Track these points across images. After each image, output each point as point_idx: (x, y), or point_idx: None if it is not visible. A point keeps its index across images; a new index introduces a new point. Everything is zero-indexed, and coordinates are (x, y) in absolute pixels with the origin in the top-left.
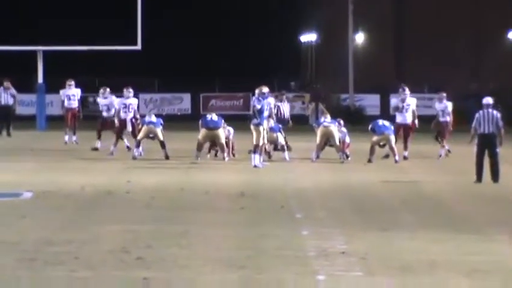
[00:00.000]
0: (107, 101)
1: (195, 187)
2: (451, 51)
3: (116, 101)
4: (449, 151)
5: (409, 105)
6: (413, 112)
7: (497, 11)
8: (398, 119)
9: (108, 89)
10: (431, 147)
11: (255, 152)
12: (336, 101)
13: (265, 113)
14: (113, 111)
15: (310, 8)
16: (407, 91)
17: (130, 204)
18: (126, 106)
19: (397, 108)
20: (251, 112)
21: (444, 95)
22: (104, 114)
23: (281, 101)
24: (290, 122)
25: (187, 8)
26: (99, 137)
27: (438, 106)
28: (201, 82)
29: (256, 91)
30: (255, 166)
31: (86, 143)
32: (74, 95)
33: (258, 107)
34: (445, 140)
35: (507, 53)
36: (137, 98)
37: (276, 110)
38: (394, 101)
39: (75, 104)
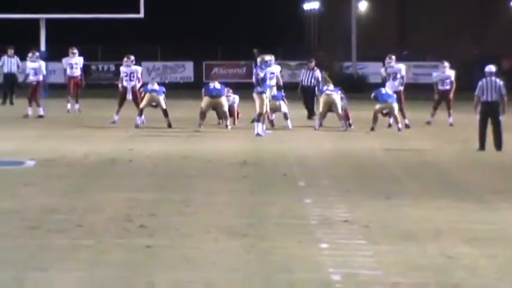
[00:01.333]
0: (35, 64)
1: (197, 155)
2: (454, 19)
3: (43, 65)
4: (429, 122)
5: (396, 72)
6: (402, 79)
7: None
8: (388, 87)
9: (36, 53)
10: (435, 116)
11: (258, 120)
12: (339, 69)
13: (268, 82)
14: (41, 77)
15: None
16: (393, 58)
17: (133, 173)
18: (127, 74)
19: (384, 78)
20: (253, 80)
21: (446, 64)
22: (31, 77)
23: (310, 69)
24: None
25: None
26: (30, 104)
27: (437, 75)
28: (203, 50)
29: (259, 59)
30: (258, 134)
31: (89, 111)
32: (76, 63)
33: (261, 75)
34: (436, 109)
35: (510, 22)
36: (140, 65)
37: (306, 78)
38: (382, 70)
39: (77, 72)
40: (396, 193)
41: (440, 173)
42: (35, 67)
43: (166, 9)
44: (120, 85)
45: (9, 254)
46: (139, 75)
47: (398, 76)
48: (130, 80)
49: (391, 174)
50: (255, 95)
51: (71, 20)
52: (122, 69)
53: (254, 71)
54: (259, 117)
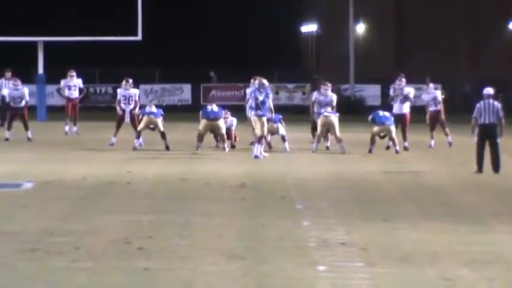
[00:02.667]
0: (17, 93)
1: (195, 178)
2: (451, 43)
3: (27, 91)
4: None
5: (405, 95)
6: (410, 101)
7: (497, 1)
8: (395, 109)
9: (19, 81)
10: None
11: (258, 142)
12: (337, 91)
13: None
14: (23, 103)
15: None
16: (403, 80)
17: (131, 195)
18: (126, 98)
19: (392, 99)
20: (249, 103)
21: (431, 85)
22: (11, 104)
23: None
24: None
25: None
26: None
27: (427, 96)
28: (201, 73)
29: (256, 82)
30: (256, 157)
31: (87, 134)
32: (75, 86)
33: (261, 98)
34: (433, 131)
35: (508, 44)
36: (137, 88)
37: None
38: (391, 90)
39: (75, 94)
40: (394, 215)
41: (438, 195)
42: (15, 95)
43: (164, 31)
44: (118, 108)
45: (7, 276)
46: (137, 99)
47: (406, 97)
48: (129, 103)
49: (389, 197)
50: (254, 118)
51: (68, 43)
52: (120, 92)
53: (252, 94)
54: (260, 140)
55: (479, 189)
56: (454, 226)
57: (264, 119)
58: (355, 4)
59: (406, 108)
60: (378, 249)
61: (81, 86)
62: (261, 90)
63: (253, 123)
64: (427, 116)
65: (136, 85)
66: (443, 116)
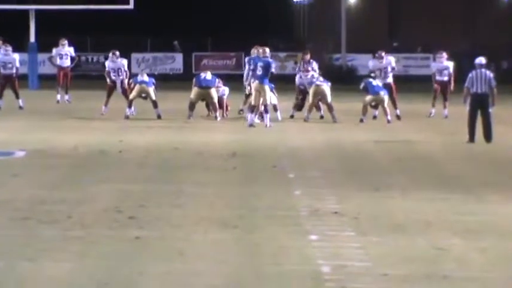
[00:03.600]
0: (8, 58)
1: (187, 147)
2: (444, 11)
3: (17, 58)
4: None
5: (386, 67)
6: (393, 70)
7: None
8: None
9: (10, 46)
10: (424, 107)
11: (267, 111)
12: (328, 60)
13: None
14: (14, 70)
15: None
16: (384, 56)
17: (123, 164)
18: (115, 70)
19: (373, 74)
20: (249, 72)
21: (444, 54)
22: (2, 71)
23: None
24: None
25: None
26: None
27: (435, 65)
28: (193, 41)
29: (260, 51)
30: (251, 125)
31: (79, 103)
32: (66, 54)
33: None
34: (435, 99)
35: (501, 12)
36: (129, 57)
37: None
38: (370, 64)
39: (67, 62)
40: (385, 185)
41: (429, 165)
42: (6, 61)
43: (155, 0)
44: (108, 80)
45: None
46: (126, 69)
47: (389, 69)
48: (118, 75)
49: (381, 166)
50: (267, 87)
51: (60, 11)
52: (108, 64)
53: (252, 62)
54: (253, 109)
55: (471, 159)
56: (445, 195)
57: (267, 87)
58: None
59: (389, 78)
60: (369, 218)
61: (73, 54)
62: (262, 58)
63: (252, 92)
64: (434, 85)
65: (128, 54)
66: (450, 87)
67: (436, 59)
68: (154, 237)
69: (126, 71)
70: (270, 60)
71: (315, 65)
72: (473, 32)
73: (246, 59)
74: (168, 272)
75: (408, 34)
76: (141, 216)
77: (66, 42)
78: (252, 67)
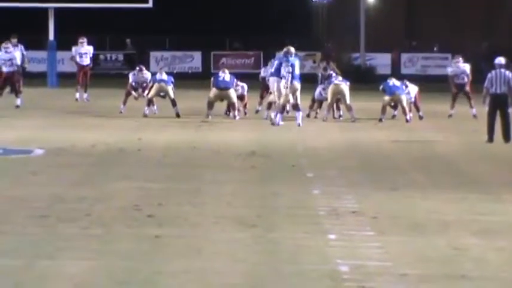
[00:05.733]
0: (7, 55)
1: (206, 145)
2: (463, 11)
3: (18, 55)
4: (450, 115)
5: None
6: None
7: None
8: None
9: (10, 44)
10: (442, 107)
11: (299, 110)
12: (347, 60)
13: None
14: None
15: None
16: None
17: (142, 162)
18: (138, 83)
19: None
20: (273, 70)
21: (460, 58)
22: (4, 69)
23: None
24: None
25: None
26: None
27: (452, 70)
28: (211, 40)
29: (285, 50)
30: (277, 124)
31: (98, 101)
32: (86, 53)
33: (288, 66)
34: (455, 101)
35: None
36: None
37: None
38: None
39: (86, 61)
40: (404, 184)
41: (448, 164)
42: (6, 58)
43: None
44: (132, 91)
45: (19, 242)
46: (149, 82)
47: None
48: (141, 87)
49: (399, 166)
50: (299, 86)
51: (79, 9)
52: (133, 78)
53: (279, 61)
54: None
55: (489, 158)
56: (463, 195)
57: (299, 86)
58: None
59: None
60: (388, 217)
61: (92, 52)
62: (289, 58)
63: (277, 91)
64: (452, 88)
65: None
66: (468, 88)
67: (453, 64)
68: (173, 235)
69: (148, 84)
70: (299, 59)
71: (332, 64)
72: (492, 32)
73: (276, 58)
74: (186, 271)
75: (426, 34)
76: (160, 215)
77: (85, 40)
78: (277, 67)
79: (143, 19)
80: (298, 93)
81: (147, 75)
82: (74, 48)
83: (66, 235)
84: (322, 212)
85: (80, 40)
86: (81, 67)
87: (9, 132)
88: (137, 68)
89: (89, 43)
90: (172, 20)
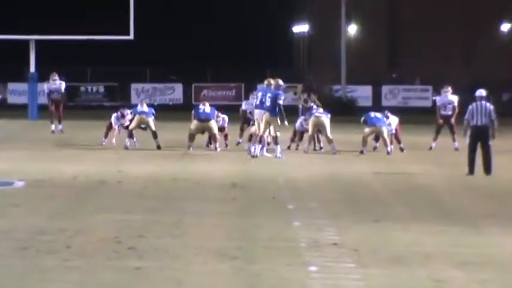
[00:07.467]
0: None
1: (187, 177)
2: (443, 43)
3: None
4: (431, 148)
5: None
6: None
7: (490, 2)
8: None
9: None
10: (423, 139)
11: (277, 143)
12: (328, 92)
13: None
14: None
15: None
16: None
17: (123, 194)
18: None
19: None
20: (258, 102)
21: (449, 88)
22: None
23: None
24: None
25: None
26: None
27: (440, 99)
28: (193, 72)
29: (280, 82)
30: (279, 157)
31: (78, 132)
32: (58, 90)
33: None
34: (438, 134)
35: (500, 45)
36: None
37: None
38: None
39: (59, 96)
40: (385, 217)
41: (429, 196)
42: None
43: (156, 31)
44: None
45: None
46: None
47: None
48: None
49: (380, 198)
50: (275, 119)
51: (60, 42)
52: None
53: (281, 96)
54: (277, 140)
55: (470, 191)
56: (445, 228)
57: (275, 119)
58: (347, 5)
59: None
60: (369, 250)
61: (64, 88)
62: (271, 90)
63: (266, 124)
64: (439, 119)
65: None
66: (453, 121)
67: (442, 93)
68: (153, 267)
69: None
70: (280, 92)
71: (313, 96)
72: (473, 64)
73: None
74: None
75: (407, 66)
76: (141, 247)
77: (57, 77)
78: (261, 98)
79: (124, 51)
80: (276, 126)
81: (128, 116)
82: (46, 85)
83: (46, 267)
84: (303, 244)
85: (52, 77)
86: (54, 100)
87: None
88: (119, 114)
89: (69, 75)
90: (153, 52)
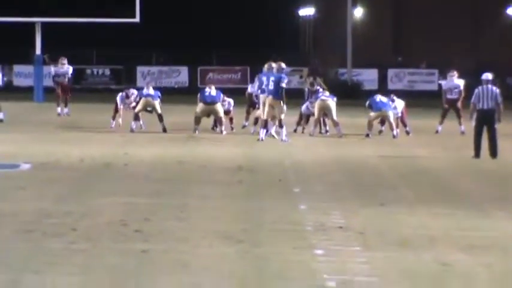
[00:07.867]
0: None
1: (193, 160)
2: (449, 27)
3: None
4: (437, 131)
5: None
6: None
7: None
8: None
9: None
10: (429, 122)
11: (281, 126)
12: (334, 75)
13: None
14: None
15: None
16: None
17: (129, 177)
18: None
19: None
20: (263, 86)
21: (455, 73)
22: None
23: None
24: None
25: None
26: None
27: (446, 84)
28: (198, 55)
29: (283, 65)
30: (284, 140)
31: (84, 115)
32: (65, 74)
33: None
34: (444, 118)
35: (506, 29)
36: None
37: None
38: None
39: (65, 80)
40: (391, 200)
41: (435, 180)
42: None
43: (161, 14)
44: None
45: (4, 257)
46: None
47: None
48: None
49: (386, 181)
50: (280, 102)
51: (66, 24)
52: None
53: (284, 79)
54: (282, 123)
55: (476, 174)
56: (451, 211)
57: (280, 102)
58: None
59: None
60: (375, 233)
61: (70, 73)
62: (274, 73)
63: (270, 107)
64: (444, 104)
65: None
66: (459, 104)
67: (448, 77)
68: (159, 250)
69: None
70: (283, 75)
71: (318, 80)
72: (478, 48)
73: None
74: (173, 286)
75: (413, 49)
76: (147, 230)
77: (65, 61)
78: (265, 82)
79: (130, 34)
80: (281, 109)
81: (133, 97)
82: (53, 68)
83: (52, 250)
84: (309, 227)
85: (61, 61)
86: (60, 83)
87: None
88: (124, 94)
89: (75, 58)
90: (158, 35)
